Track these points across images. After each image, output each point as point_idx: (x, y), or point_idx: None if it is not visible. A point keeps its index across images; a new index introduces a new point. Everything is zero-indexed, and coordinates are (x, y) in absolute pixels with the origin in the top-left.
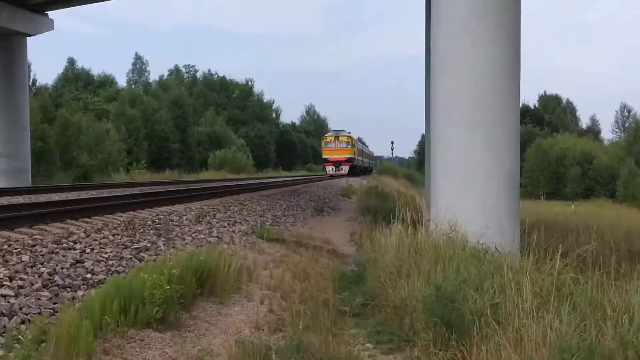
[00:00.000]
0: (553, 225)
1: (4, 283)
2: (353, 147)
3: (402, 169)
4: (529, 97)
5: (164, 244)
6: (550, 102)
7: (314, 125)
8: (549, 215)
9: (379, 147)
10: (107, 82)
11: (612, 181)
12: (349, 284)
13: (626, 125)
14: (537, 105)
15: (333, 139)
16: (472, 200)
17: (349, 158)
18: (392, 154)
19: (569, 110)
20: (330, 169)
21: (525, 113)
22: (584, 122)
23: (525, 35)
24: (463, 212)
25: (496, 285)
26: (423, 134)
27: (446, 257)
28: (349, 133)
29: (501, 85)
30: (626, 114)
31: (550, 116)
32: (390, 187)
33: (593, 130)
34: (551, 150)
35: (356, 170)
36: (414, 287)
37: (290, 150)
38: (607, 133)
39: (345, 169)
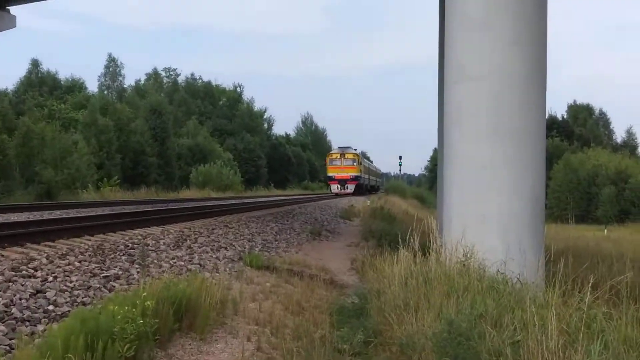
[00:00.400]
0: (583, 253)
1: None
2: (359, 165)
3: (412, 188)
4: (557, 106)
5: (137, 272)
6: (580, 113)
7: (312, 138)
8: (578, 241)
9: (385, 163)
10: (75, 87)
11: None
12: (348, 318)
13: None
14: (565, 117)
15: (339, 157)
16: (490, 224)
17: (355, 176)
18: (399, 170)
19: (602, 122)
20: (335, 188)
21: (552, 125)
22: (619, 136)
23: (551, 37)
24: (480, 237)
25: (517, 320)
26: (435, 148)
27: (460, 288)
28: (355, 150)
29: (525, 93)
30: None
31: (580, 129)
32: (398, 208)
33: (629, 145)
34: (581, 167)
35: (362, 189)
36: (423, 323)
37: (283, 165)
38: None
39: (351, 187)
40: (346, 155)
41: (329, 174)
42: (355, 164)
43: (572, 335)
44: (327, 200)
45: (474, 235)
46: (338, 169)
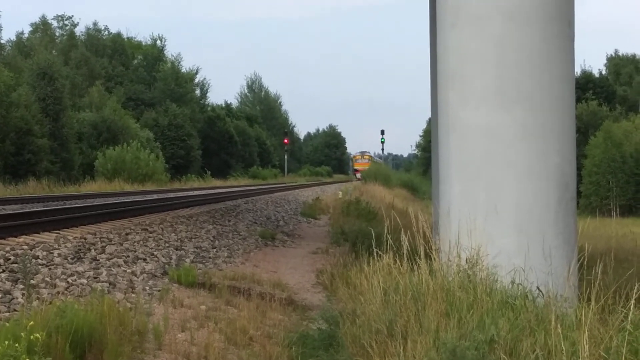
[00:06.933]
0: (629, 256)
1: None
2: (372, 162)
3: (399, 174)
4: (592, 59)
5: (22, 294)
6: (624, 67)
7: (261, 108)
8: (624, 241)
9: (362, 142)
10: None
11: None
12: (314, 350)
13: None
14: (604, 72)
15: (360, 157)
16: (502, 218)
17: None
18: (382, 150)
19: None
20: (359, 175)
21: (587, 84)
22: None
23: None
24: (489, 236)
25: (540, 346)
26: (429, 119)
27: (463, 306)
28: (369, 152)
29: (545, 39)
30: None
31: (624, 88)
32: (380, 200)
33: None
34: (627, 140)
35: None
36: (414, 353)
37: (223, 146)
38: None
39: None
40: (364, 156)
41: (355, 167)
42: (369, 161)
43: None
44: (283, 192)
45: (481, 234)
46: (360, 165)
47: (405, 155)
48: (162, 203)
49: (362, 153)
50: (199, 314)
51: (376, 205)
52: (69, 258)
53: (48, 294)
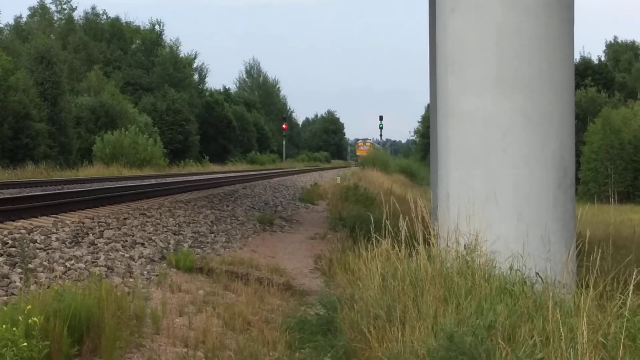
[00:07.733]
0: (627, 242)
1: None
2: (373, 147)
3: (397, 159)
4: (591, 45)
5: (20, 278)
6: (623, 54)
7: (259, 93)
8: (622, 227)
9: (360, 128)
10: None
11: None
12: (311, 335)
13: None
14: (603, 59)
15: (363, 144)
16: (501, 204)
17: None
18: (380, 136)
19: None
20: (360, 161)
21: (586, 70)
22: None
23: None
24: (487, 222)
25: (538, 332)
26: (428, 105)
27: (461, 291)
28: (370, 139)
29: (545, 25)
30: None
31: (623, 75)
32: (378, 186)
33: None
34: (626, 127)
35: None
36: (413, 338)
37: (222, 132)
38: None
39: None
40: (366, 143)
41: (357, 153)
42: (370, 147)
43: (610, 350)
44: (282, 178)
45: (480, 220)
46: (362, 151)
47: (403, 141)
48: (160, 188)
49: (364, 140)
50: (197, 299)
51: (374, 190)
52: (66, 242)
53: (46, 278)
